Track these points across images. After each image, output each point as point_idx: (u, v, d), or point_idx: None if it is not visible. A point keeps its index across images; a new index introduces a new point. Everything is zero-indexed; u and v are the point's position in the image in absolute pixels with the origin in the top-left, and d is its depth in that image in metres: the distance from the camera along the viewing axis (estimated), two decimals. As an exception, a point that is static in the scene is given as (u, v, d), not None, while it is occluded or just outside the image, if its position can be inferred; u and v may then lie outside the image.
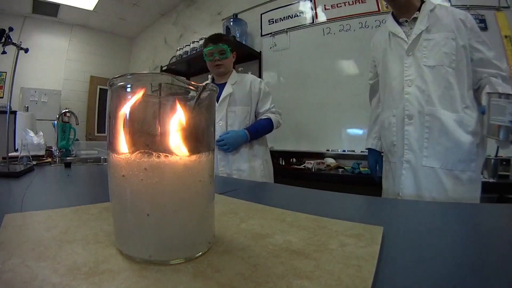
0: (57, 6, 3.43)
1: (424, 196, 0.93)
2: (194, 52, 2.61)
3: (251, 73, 1.69)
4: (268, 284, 0.23)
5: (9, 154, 0.98)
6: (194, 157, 0.29)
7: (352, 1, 2.02)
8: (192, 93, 0.29)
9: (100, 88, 4.21)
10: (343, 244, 0.32)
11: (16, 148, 1.59)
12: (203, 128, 0.31)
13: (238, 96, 1.38)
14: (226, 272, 0.25)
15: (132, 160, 0.27)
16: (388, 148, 1.08)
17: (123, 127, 0.28)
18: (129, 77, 0.28)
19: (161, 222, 0.27)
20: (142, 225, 0.27)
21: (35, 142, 1.46)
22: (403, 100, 0.98)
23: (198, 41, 2.61)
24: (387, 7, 1.86)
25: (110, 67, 4.35)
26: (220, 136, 1.32)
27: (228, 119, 1.37)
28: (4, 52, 1.11)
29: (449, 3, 1.59)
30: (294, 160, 2.11)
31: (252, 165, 1.38)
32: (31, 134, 1.50)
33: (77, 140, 1.80)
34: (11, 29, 1.09)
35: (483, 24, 1.55)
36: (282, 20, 2.38)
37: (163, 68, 3.11)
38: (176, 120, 0.28)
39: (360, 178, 1.64)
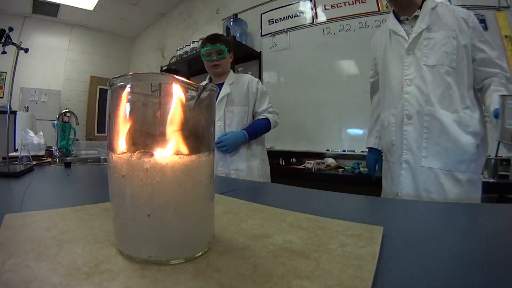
0: (57, 6, 3.43)
1: (423, 196, 0.92)
2: (194, 52, 2.61)
3: (251, 73, 1.69)
4: (268, 284, 0.23)
5: (9, 154, 0.98)
6: (194, 157, 0.29)
7: (352, 1, 2.02)
8: (192, 93, 0.29)
9: (100, 88, 4.21)
10: (343, 244, 0.32)
11: (16, 148, 1.59)
12: (203, 128, 0.31)
13: (235, 96, 1.39)
14: (226, 272, 0.25)
15: (132, 160, 0.27)
16: (387, 147, 1.07)
17: (123, 127, 0.28)
18: (129, 77, 0.28)
19: (161, 222, 0.27)
20: (142, 225, 0.27)
21: (35, 142, 1.46)
22: (402, 100, 0.97)
23: (198, 41, 2.61)
24: (387, 7, 1.86)
25: (110, 67, 4.35)
26: (218, 138, 1.32)
27: (226, 119, 1.38)
28: (4, 52, 1.11)
29: (449, 3, 1.59)
30: (294, 160, 2.11)
31: (250, 164, 1.39)
32: (31, 134, 1.50)
33: (77, 140, 1.80)
34: (11, 29, 1.09)
35: (483, 24, 1.54)
36: (282, 20, 2.38)
37: (163, 68, 3.11)
38: (176, 120, 0.28)
39: (360, 178, 1.64)
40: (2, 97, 3.44)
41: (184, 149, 0.28)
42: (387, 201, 0.81)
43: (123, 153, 0.28)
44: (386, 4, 1.88)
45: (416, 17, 0.97)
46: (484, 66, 0.92)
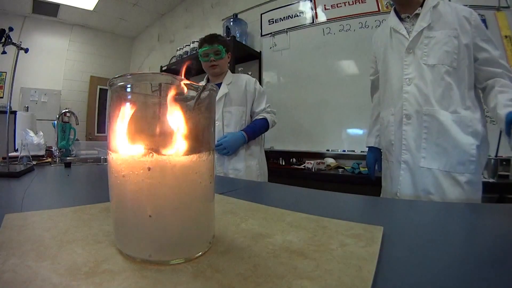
0: (57, 6, 3.43)
1: (422, 197, 0.91)
2: (194, 52, 2.61)
3: (251, 73, 1.69)
4: (268, 284, 0.23)
5: (9, 154, 0.98)
6: (194, 157, 0.29)
7: (352, 1, 2.02)
8: (192, 93, 0.29)
9: (100, 88, 4.21)
10: (343, 244, 0.32)
11: (16, 148, 1.59)
12: (203, 128, 0.31)
13: (233, 96, 1.39)
14: (226, 272, 0.25)
15: (132, 160, 0.27)
16: (386, 147, 1.06)
17: (123, 127, 0.28)
18: (129, 77, 0.28)
19: (161, 222, 0.27)
20: (142, 225, 0.27)
21: (35, 142, 1.46)
22: (401, 99, 0.95)
23: (198, 41, 2.61)
24: (387, 7, 1.86)
25: (110, 67, 4.35)
26: (218, 141, 1.33)
27: (224, 119, 1.38)
28: (4, 52, 1.11)
29: (450, 2, 1.58)
30: (294, 160, 2.11)
31: (249, 164, 1.40)
32: (31, 134, 1.50)
33: (77, 140, 1.80)
34: (11, 29, 1.09)
35: (483, 24, 1.55)
36: (282, 20, 2.38)
37: (163, 68, 3.11)
38: (176, 120, 0.28)
39: (360, 178, 1.64)
40: (2, 97, 3.44)
41: (184, 149, 0.28)
42: (387, 201, 0.81)
43: (123, 153, 0.28)
44: (386, 4, 1.88)
45: (417, 15, 0.96)
46: (487, 65, 0.90)
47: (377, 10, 1.92)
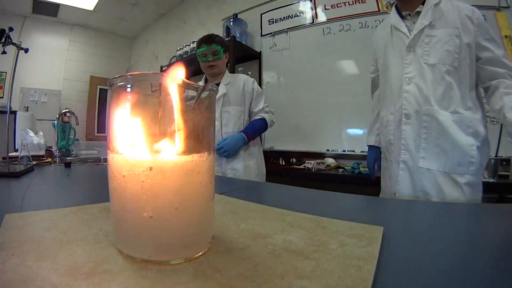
0: (57, 6, 3.43)
1: (421, 198, 0.90)
2: (194, 52, 2.60)
3: (251, 73, 1.70)
4: (268, 284, 0.23)
5: (9, 154, 0.98)
6: (194, 157, 0.29)
7: (352, 1, 2.02)
8: (192, 93, 0.29)
9: (100, 88, 4.21)
10: (343, 244, 0.32)
11: (16, 148, 1.59)
12: (203, 128, 0.31)
13: (231, 96, 1.40)
14: (226, 272, 0.25)
15: (132, 161, 0.27)
16: (385, 146, 1.05)
17: (123, 127, 0.28)
18: (129, 77, 0.28)
19: (161, 222, 0.27)
20: (142, 225, 0.27)
21: (35, 142, 1.46)
22: (401, 98, 0.94)
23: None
24: (387, 7, 1.86)
25: (110, 67, 4.36)
26: (218, 145, 1.33)
27: (223, 119, 1.39)
28: (4, 52, 1.11)
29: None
30: (294, 160, 2.11)
31: (247, 164, 1.40)
32: (31, 134, 1.50)
33: (77, 140, 1.80)
34: (11, 29, 1.09)
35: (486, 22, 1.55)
36: (282, 20, 2.38)
37: (163, 68, 3.11)
38: (176, 120, 0.28)
39: (360, 178, 1.64)
40: (2, 97, 3.44)
41: (184, 149, 0.28)
42: (387, 201, 0.81)
43: (123, 153, 0.28)
44: (386, 4, 1.88)
45: (419, 13, 0.94)
46: (490, 65, 0.88)
47: (377, 10, 1.92)
